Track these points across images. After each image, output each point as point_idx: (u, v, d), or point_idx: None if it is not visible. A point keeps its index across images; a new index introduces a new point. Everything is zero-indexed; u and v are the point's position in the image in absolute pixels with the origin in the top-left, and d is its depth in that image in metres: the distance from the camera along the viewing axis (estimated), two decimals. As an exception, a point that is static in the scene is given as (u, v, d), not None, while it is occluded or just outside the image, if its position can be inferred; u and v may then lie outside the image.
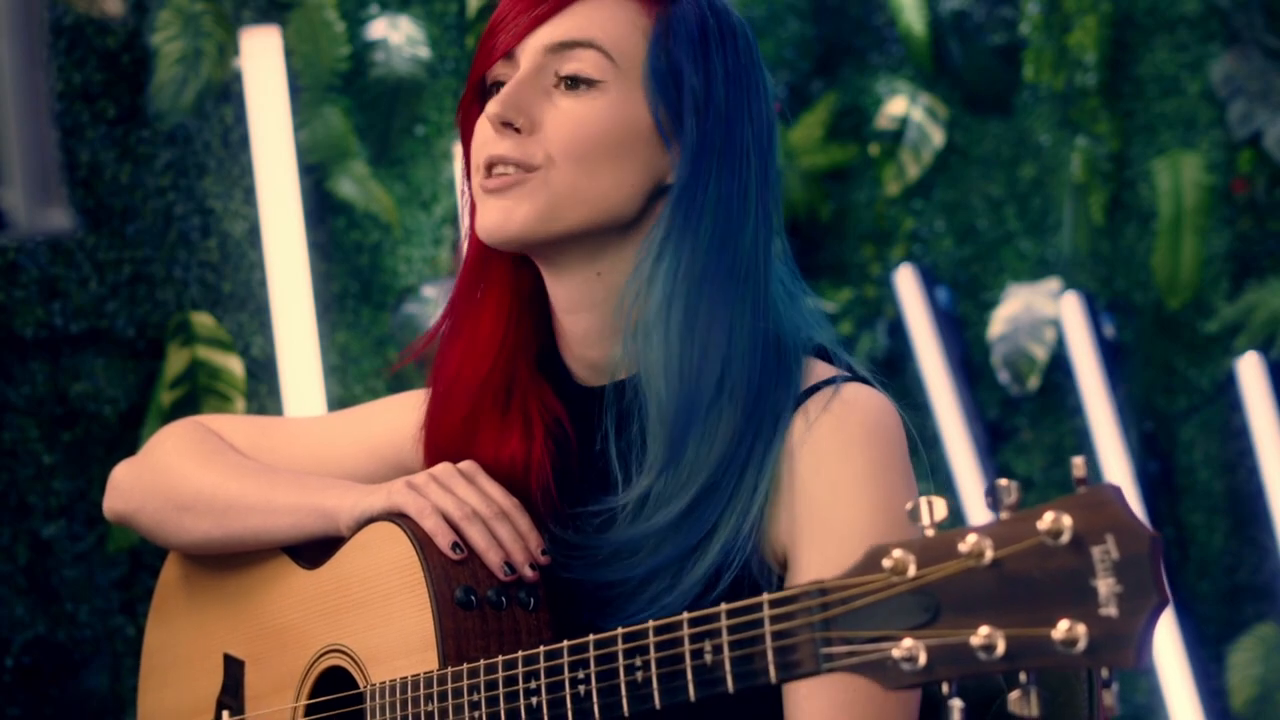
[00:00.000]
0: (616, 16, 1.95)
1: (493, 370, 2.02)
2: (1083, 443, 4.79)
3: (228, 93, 4.16)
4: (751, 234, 1.95)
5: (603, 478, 1.97)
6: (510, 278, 2.04)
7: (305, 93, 4.28)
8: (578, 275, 1.98)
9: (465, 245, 2.07)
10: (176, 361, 4.05)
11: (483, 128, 1.98)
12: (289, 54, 4.19)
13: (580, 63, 1.94)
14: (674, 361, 1.91)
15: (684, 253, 1.93)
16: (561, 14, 1.95)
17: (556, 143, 1.93)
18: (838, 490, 1.87)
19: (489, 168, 1.96)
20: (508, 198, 1.94)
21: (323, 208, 4.32)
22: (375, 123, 4.40)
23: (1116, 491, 1.39)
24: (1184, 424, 4.84)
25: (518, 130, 1.94)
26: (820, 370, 1.95)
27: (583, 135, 1.93)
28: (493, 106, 1.95)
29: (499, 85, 1.99)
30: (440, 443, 2.06)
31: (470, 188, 2.03)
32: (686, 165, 1.94)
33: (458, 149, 4.40)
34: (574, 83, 1.95)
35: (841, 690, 1.82)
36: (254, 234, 4.16)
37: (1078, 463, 1.40)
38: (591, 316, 1.99)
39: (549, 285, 2.01)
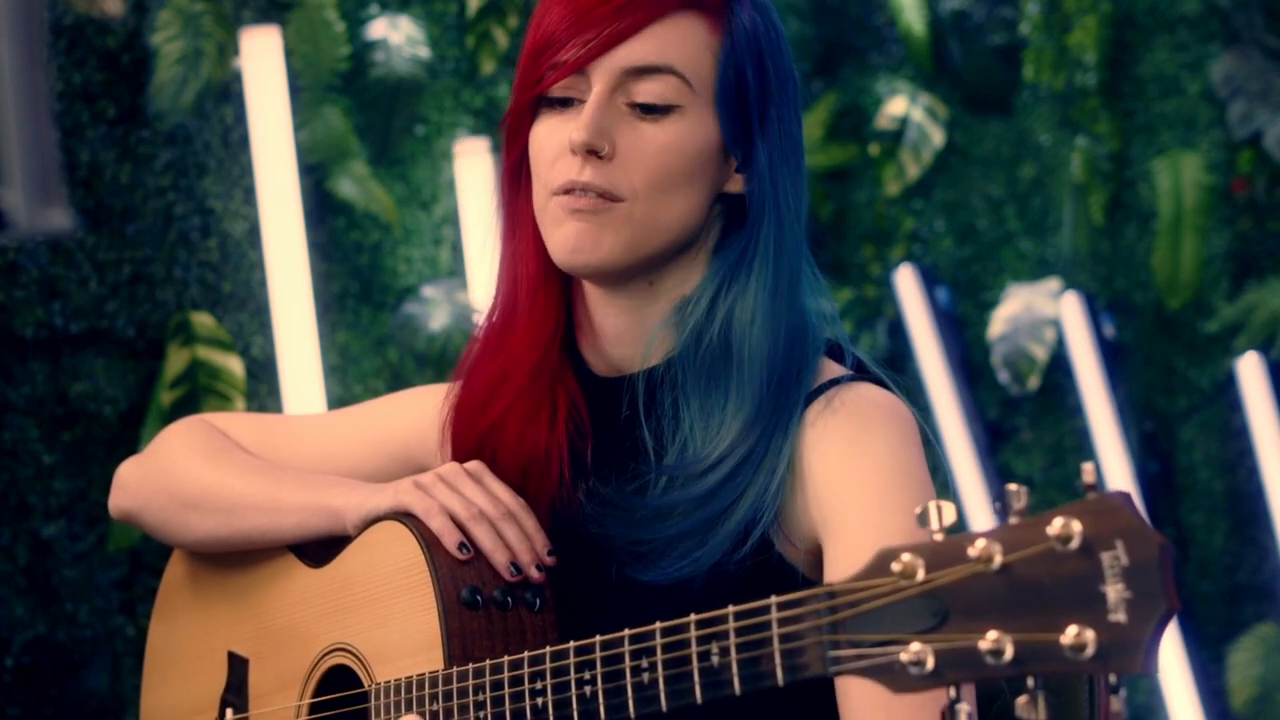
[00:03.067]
0: (689, 38, 1.94)
1: (540, 364, 2.02)
2: (1083, 443, 4.79)
3: (228, 93, 4.16)
4: (802, 222, 1.98)
5: (633, 456, 1.97)
6: (562, 285, 2.04)
7: (305, 93, 4.27)
8: (631, 285, 1.98)
9: (498, 250, 2.05)
10: (176, 361, 4.04)
11: (551, 144, 1.96)
12: (289, 54, 4.18)
13: (659, 86, 1.93)
14: (775, 357, 1.92)
15: (769, 261, 1.94)
16: (639, 35, 1.93)
17: (641, 174, 1.93)
18: (859, 487, 1.88)
19: (567, 191, 1.94)
20: (592, 223, 1.93)
21: (323, 208, 4.32)
22: (375, 123, 4.40)
23: (1126, 498, 1.39)
24: (1184, 424, 4.84)
25: (601, 157, 1.93)
26: (834, 368, 1.97)
27: (668, 165, 1.93)
28: (578, 134, 1.92)
29: (566, 101, 1.96)
30: (468, 436, 2.06)
31: (509, 197, 2.02)
32: (763, 178, 1.95)
33: (459, 148, 4.41)
34: (650, 108, 1.93)
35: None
36: (254, 234, 4.15)
37: (1087, 468, 1.40)
38: (631, 317, 1.99)
39: (593, 293, 2.01)
